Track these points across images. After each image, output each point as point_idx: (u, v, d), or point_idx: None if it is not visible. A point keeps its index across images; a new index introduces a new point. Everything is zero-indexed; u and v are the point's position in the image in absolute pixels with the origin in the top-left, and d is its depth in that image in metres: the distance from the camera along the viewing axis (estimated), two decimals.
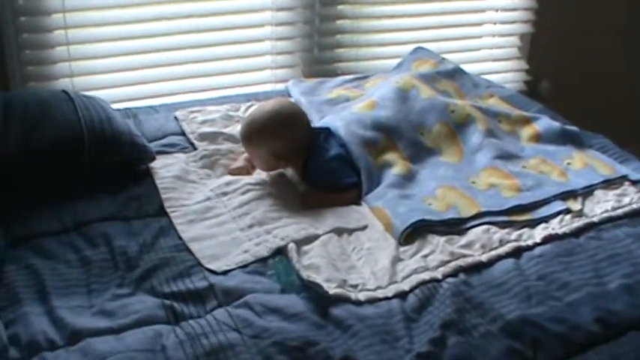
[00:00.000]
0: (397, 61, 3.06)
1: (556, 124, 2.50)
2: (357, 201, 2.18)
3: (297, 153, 2.22)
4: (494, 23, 3.61)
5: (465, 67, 2.88)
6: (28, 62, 2.74)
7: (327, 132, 2.30)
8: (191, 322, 1.64)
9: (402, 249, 1.93)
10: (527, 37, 3.63)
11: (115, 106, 2.58)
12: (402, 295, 1.76)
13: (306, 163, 2.24)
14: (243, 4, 3.04)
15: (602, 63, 3.78)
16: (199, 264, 1.84)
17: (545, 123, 2.51)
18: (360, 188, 2.20)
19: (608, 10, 3.69)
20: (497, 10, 3.58)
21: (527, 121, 2.53)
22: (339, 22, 3.24)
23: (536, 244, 1.97)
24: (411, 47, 3.10)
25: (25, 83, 2.75)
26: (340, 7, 3.18)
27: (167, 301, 1.70)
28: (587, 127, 2.62)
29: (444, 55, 3.02)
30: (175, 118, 2.55)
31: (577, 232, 2.03)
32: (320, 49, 3.20)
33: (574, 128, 2.52)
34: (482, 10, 3.57)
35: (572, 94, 3.66)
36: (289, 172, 2.29)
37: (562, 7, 3.57)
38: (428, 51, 3.01)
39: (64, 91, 2.27)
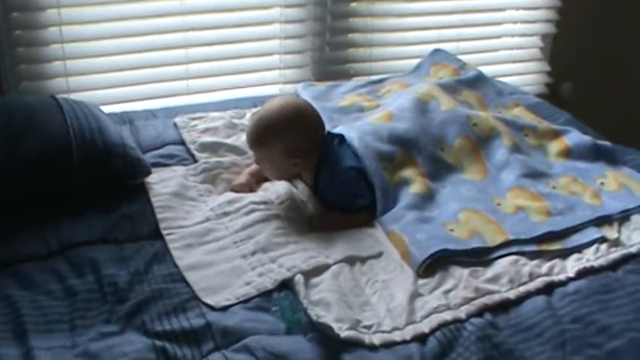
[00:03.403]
0: (413, 61, 2.90)
1: (587, 138, 2.31)
2: (370, 221, 1.99)
3: (311, 148, 2.05)
4: (515, 22, 3.45)
5: (484, 69, 2.71)
6: (21, 60, 2.58)
7: (340, 138, 2.13)
8: None
9: (420, 282, 1.74)
10: (550, 37, 3.46)
11: (112, 107, 2.46)
12: (421, 338, 1.57)
13: (318, 169, 2.06)
14: (250, 0, 2.86)
15: (627, 65, 3.60)
16: (196, 297, 1.65)
17: (575, 137, 2.32)
18: (374, 207, 2.01)
19: (635, 9, 3.49)
20: (517, 9, 3.41)
21: (556, 134, 2.34)
22: (351, 19, 3.07)
23: (570, 279, 1.77)
24: (427, 47, 2.95)
25: (18, 82, 2.58)
26: (353, 4, 3.01)
27: (159, 342, 1.51)
28: (611, 132, 2.47)
29: (462, 56, 2.86)
30: (175, 125, 2.36)
31: (614, 265, 1.83)
32: (331, 49, 3.03)
33: (606, 143, 2.33)
34: (502, 9, 3.40)
35: (595, 97, 3.50)
36: (299, 186, 2.11)
37: (586, 5, 3.40)
38: (447, 54, 2.82)
39: (53, 97, 2.09)
